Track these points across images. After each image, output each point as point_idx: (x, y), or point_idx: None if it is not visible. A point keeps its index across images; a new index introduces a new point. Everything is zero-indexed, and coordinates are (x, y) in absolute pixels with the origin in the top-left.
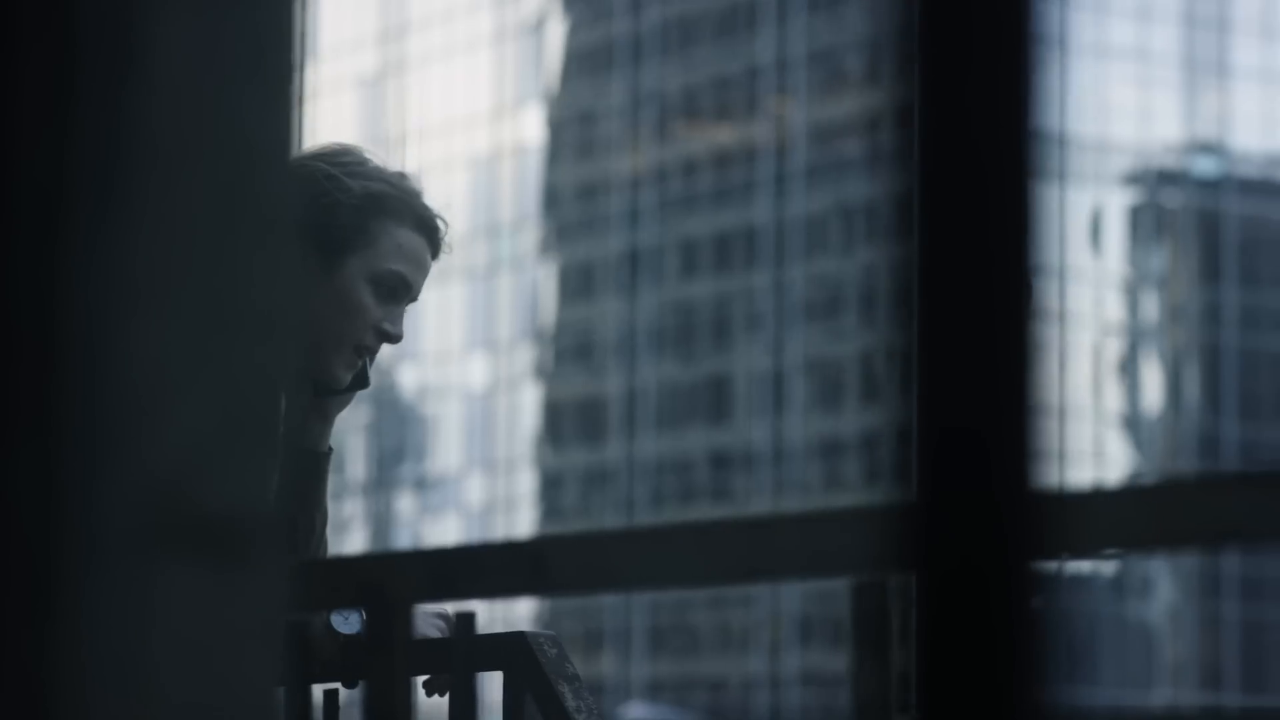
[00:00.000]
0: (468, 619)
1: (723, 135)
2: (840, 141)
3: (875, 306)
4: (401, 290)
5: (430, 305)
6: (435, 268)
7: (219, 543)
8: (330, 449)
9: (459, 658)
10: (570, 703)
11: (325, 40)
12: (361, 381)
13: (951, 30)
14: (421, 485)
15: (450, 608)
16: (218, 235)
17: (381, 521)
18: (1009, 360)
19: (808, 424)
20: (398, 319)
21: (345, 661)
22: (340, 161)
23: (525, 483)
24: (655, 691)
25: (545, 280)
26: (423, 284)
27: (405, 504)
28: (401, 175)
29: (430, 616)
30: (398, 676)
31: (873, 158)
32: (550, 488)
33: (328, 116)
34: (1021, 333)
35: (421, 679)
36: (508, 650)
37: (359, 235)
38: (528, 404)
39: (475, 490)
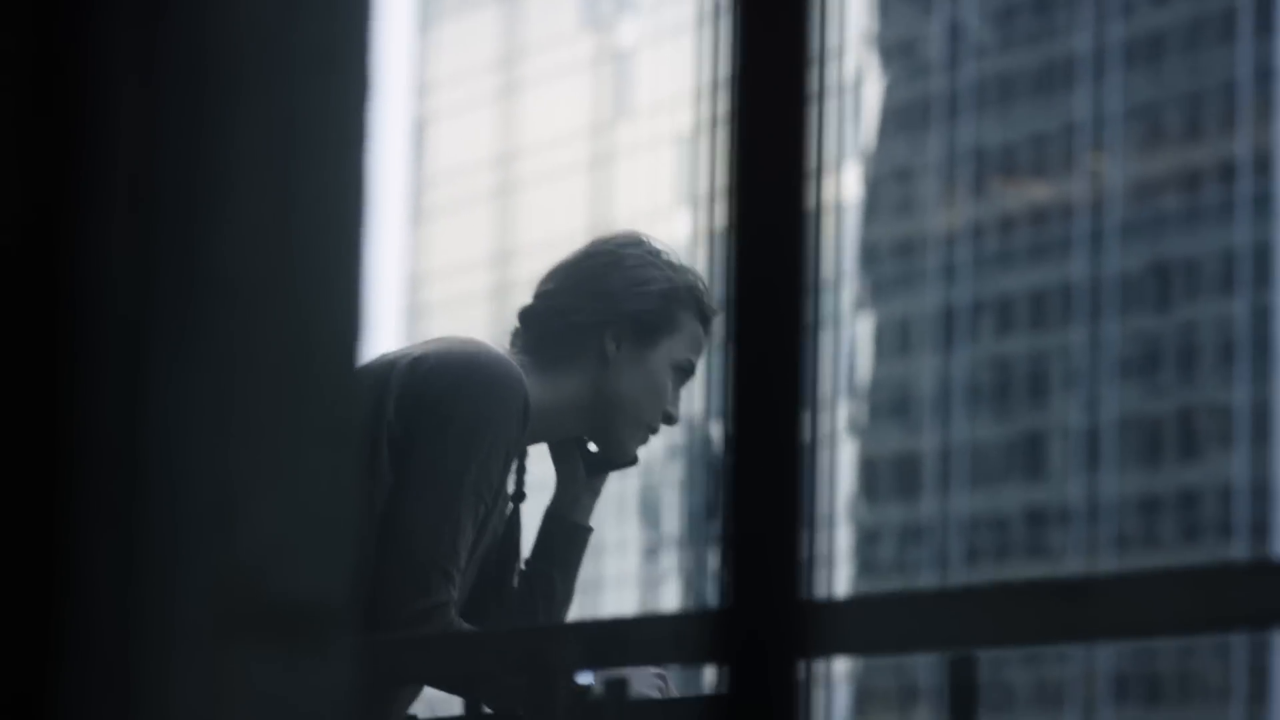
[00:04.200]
0: (619, 686)
1: (1039, 191)
2: (1157, 197)
3: (1194, 363)
4: (689, 377)
5: None
6: None
7: (291, 632)
8: (592, 528)
9: None
10: None
11: (642, 98)
12: (633, 459)
13: None
14: None
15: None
16: (286, 362)
17: (695, 576)
18: (786, 474)
19: (1124, 481)
20: (678, 402)
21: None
22: (647, 251)
23: (841, 538)
24: None
25: (862, 336)
26: None
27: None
28: (691, 268)
29: (650, 676)
30: None
31: (1190, 214)
32: (866, 543)
33: (648, 173)
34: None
35: None
36: (698, 716)
37: (669, 323)
38: (844, 460)
39: None
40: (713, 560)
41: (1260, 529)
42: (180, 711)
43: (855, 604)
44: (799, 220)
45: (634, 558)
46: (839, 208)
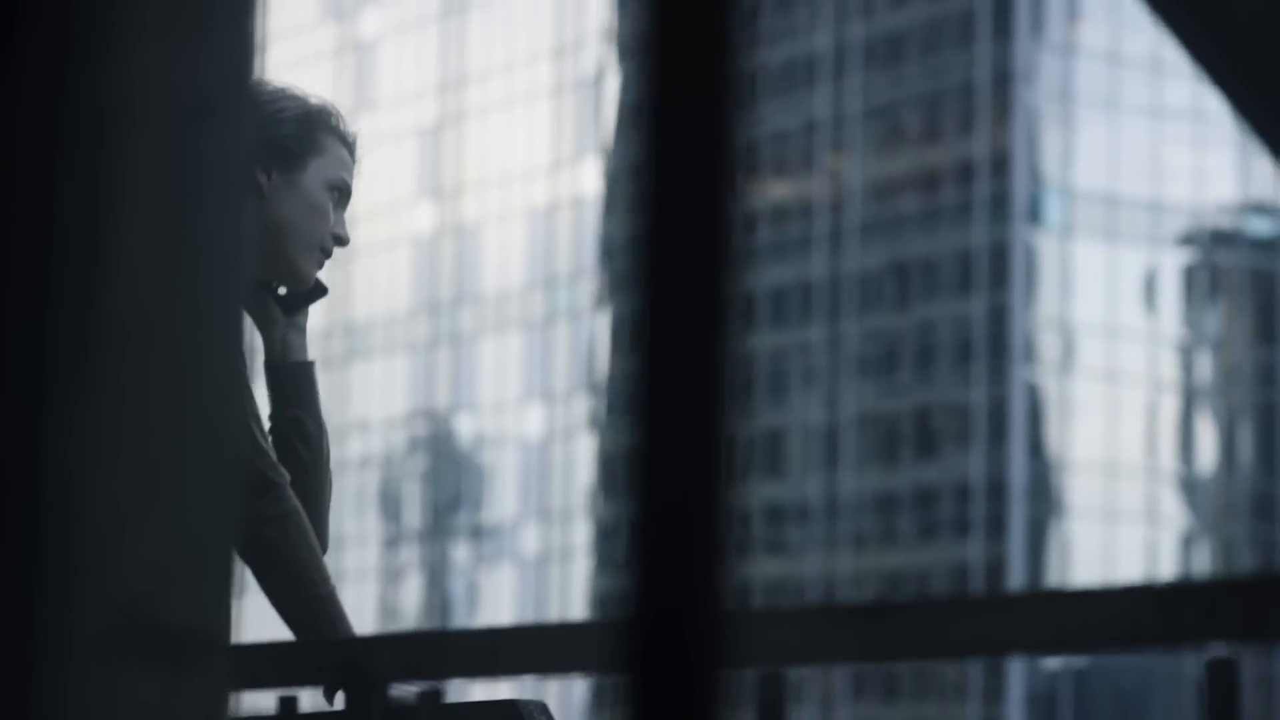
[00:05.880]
0: (433, 696)
1: (779, 190)
2: (896, 197)
3: (931, 362)
4: (345, 197)
5: (487, 355)
6: (494, 319)
7: (172, 653)
8: (312, 360)
9: None
10: None
11: (385, 90)
12: (322, 288)
13: None
14: (477, 534)
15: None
16: (173, 400)
17: (437, 570)
18: (709, 484)
19: (862, 478)
20: (343, 224)
21: None
22: (276, 88)
23: (580, 533)
24: None
25: (601, 331)
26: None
27: (461, 552)
28: (320, 97)
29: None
30: None
31: (929, 214)
32: (605, 538)
33: (386, 165)
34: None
35: None
36: (500, 718)
37: (312, 145)
38: (583, 454)
39: (530, 540)
40: (454, 553)
41: (995, 526)
42: None
43: (769, 615)
44: (726, 159)
45: (374, 550)
46: (579, 203)
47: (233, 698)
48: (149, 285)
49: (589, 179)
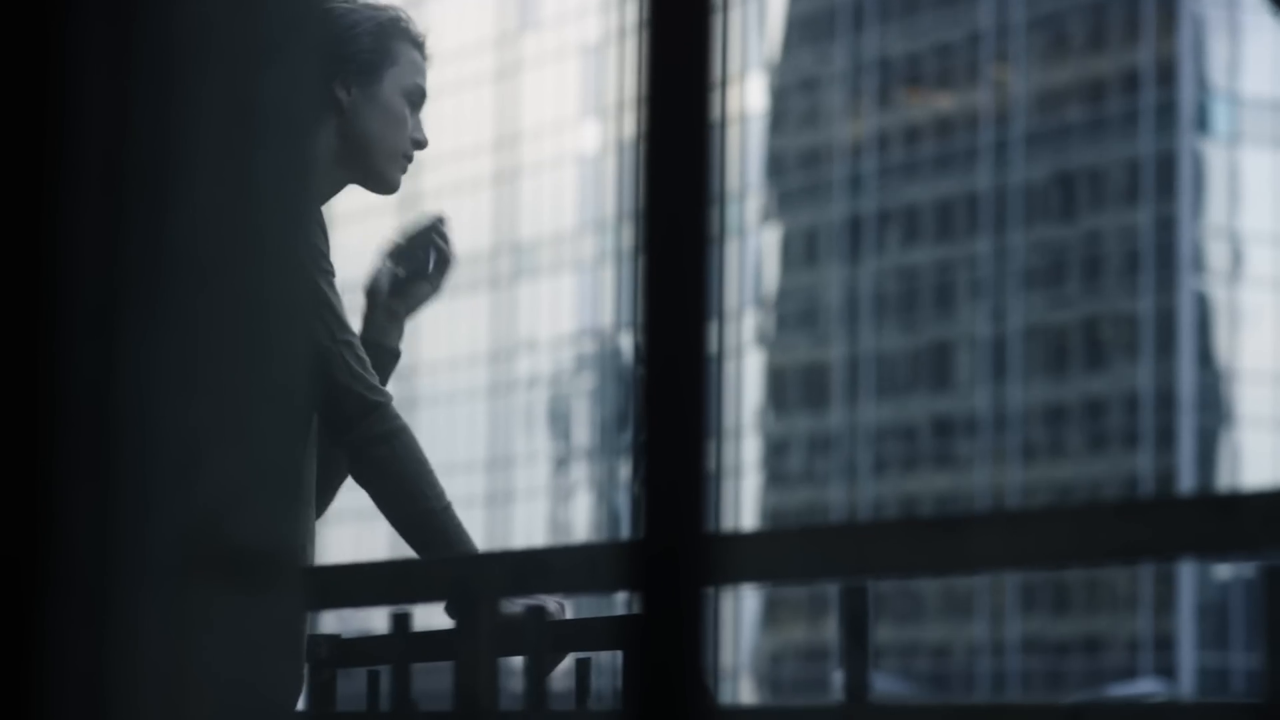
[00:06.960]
0: (539, 611)
1: (944, 102)
2: (1061, 108)
3: (1098, 273)
4: (421, 101)
5: None
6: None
7: (247, 572)
8: (400, 351)
9: (530, 645)
10: None
11: (549, 10)
12: (445, 264)
13: None
14: None
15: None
16: (247, 327)
17: (605, 487)
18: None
19: (1030, 390)
20: (421, 128)
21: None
22: (346, 4)
23: (750, 449)
24: (878, 658)
25: (768, 247)
26: None
27: (629, 470)
28: (390, 4)
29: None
30: (483, 660)
31: (1095, 124)
32: (774, 454)
33: (551, 85)
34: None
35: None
36: (618, 632)
37: (386, 55)
38: (751, 370)
39: None
40: (623, 471)
41: (1165, 437)
42: (150, 643)
43: (755, 536)
44: (705, 130)
45: (544, 469)
46: (745, 118)
47: (309, 617)
48: (216, 221)
49: (754, 94)
